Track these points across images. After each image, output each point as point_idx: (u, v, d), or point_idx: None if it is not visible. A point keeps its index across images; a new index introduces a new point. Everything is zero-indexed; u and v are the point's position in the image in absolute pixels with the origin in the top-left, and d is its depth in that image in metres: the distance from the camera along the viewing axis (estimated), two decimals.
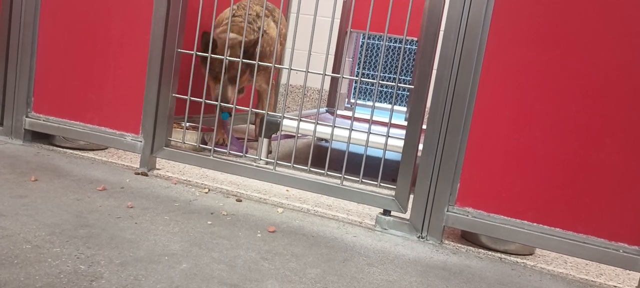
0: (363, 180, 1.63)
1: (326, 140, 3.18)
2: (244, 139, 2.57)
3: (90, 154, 1.96)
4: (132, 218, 1.33)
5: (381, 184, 1.61)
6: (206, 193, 1.68)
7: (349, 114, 3.44)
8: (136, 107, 1.80)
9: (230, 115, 2.59)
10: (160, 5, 1.74)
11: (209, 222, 1.39)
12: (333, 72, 3.58)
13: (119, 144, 1.84)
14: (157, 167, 1.88)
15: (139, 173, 1.78)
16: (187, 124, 1.93)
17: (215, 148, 1.78)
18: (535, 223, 1.43)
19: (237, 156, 1.79)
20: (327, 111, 3.48)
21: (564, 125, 1.38)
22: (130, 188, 1.60)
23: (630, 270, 1.37)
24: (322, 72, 1.66)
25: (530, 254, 1.55)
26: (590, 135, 1.36)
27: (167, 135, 1.80)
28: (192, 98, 1.79)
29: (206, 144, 2.33)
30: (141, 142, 1.81)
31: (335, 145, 3.06)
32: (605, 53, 1.33)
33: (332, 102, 3.58)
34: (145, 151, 1.80)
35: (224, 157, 1.76)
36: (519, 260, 1.49)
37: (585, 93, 1.36)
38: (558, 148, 1.39)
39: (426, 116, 1.50)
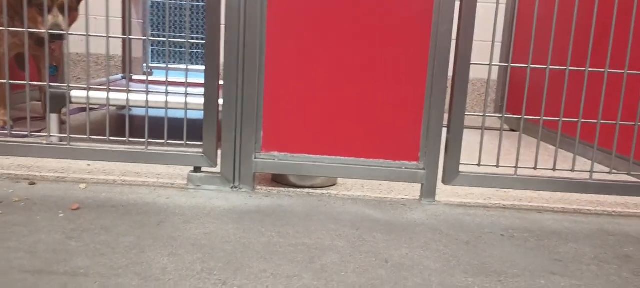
0: (168, 141, 1.61)
1: (125, 108, 3.01)
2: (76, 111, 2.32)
3: None
4: None
5: (188, 143, 1.61)
6: None
7: (150, 78, 3.29)
8: None
9: (58, 70, 2.31)
10: None
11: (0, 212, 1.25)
12: (123, 35, 3.37)
13: None
14: None
15: None
16: None
17: None
18: (335, 156, 1.57)
19: (23, 136, 1.61)
20: (122, 78, 3.28)
21: (345, 71, 1.52)
22: None
23: (413, 182, 1.60)
24: (105, 35, 1.56)
25: (334, 185, 1.70)
26: (369, 79, 1.53)
27: None
28: None
29: None
30: None
31: (136, 112, 2.92)
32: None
33: (128, 68, 3.38)
34: None
35: (6, 139, 1.57)
36: (324, 191, 1.63)
37: (360, 40, 1.51)
38: (344, 90, 1.53)
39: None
